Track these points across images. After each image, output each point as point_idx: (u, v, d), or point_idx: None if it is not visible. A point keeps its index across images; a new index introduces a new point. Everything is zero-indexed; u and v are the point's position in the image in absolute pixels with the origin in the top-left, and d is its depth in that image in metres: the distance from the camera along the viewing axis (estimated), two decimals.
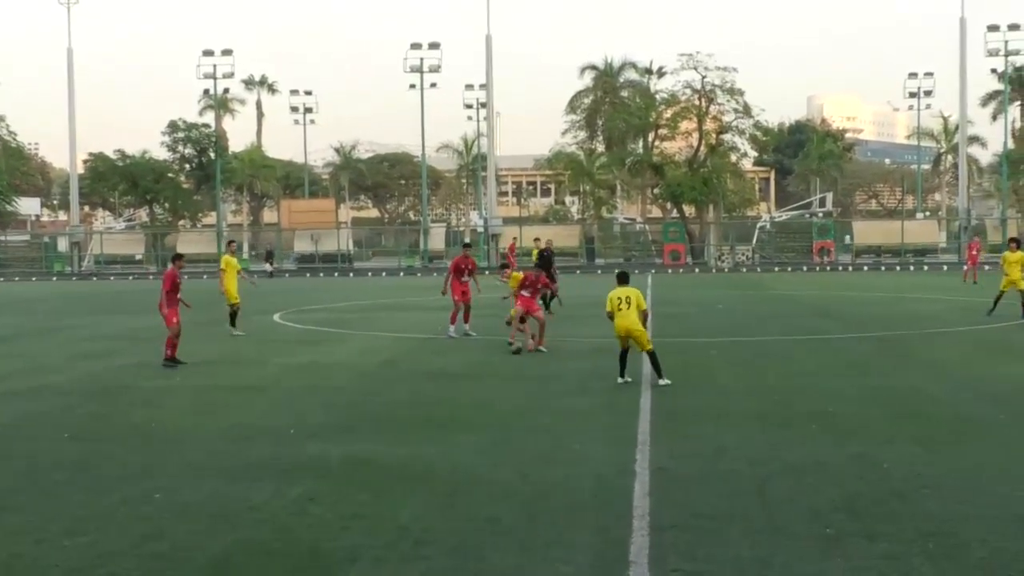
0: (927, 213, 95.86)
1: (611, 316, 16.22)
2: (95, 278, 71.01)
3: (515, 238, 65.11)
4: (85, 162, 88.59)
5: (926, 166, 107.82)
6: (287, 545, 8.28)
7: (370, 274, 69.66)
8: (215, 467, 11.03)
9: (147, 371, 18.06)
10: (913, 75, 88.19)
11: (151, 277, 68.28)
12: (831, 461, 10.86)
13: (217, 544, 8.32)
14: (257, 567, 7.76)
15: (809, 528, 8.50)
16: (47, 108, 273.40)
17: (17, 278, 68.14)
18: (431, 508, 9.31)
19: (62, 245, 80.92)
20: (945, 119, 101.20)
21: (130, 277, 70.37)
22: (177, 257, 21.44)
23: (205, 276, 67.40)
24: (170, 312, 19.66)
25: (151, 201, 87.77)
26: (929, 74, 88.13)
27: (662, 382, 15.74)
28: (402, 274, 68.92)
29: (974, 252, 48.22)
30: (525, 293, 21.19)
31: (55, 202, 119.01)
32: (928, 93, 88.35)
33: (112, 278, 70.67)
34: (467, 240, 32.27)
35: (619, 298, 16.10)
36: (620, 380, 16.13)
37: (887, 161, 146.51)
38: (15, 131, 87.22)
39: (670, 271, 65.44)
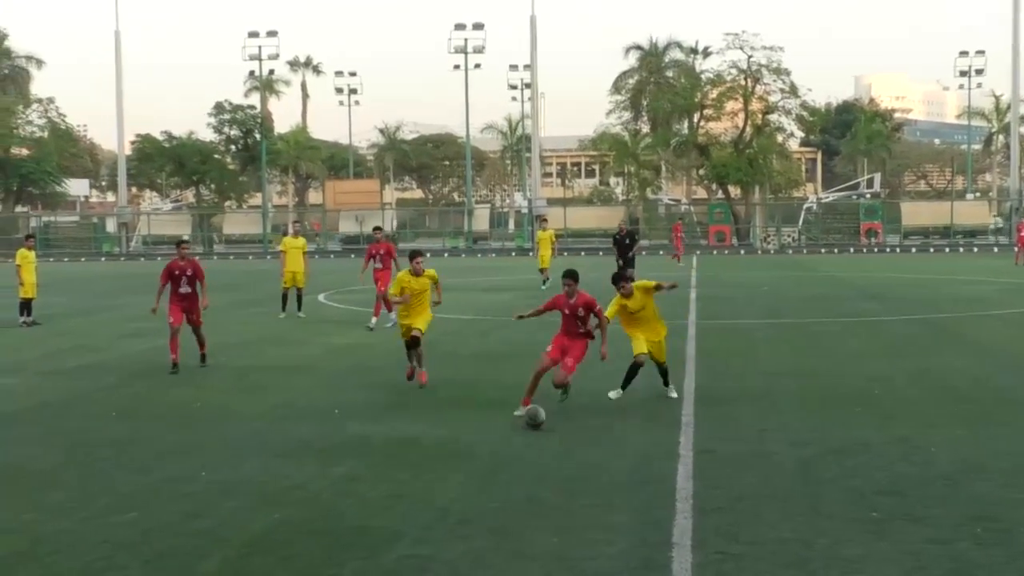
0: (978, 194, 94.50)
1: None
2: (143, 259, 71.71)
3: (681, 218, 64.95)
4: (133, 143, 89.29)
5: (977, 146, 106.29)
6: (330, 523, 8.33)
7: None
8: (258, 446, 11.12)
9: (192, 351, 18.19)
10: (964, 53, 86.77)
11: (197, 257, 68.82)
12: (876, 443, 10.76)
13: (260, 522, 8.38)
14: (300, 545, 7.81)
15: (854, 511, 8.42)
16: (95, 90, 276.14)
17: (67, 259, 69.01)
18: (472, 488, 9.32)
19: (110, 226, 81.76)
20: (997, 98, 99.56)
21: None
22: (179, 243, 17.91)
23: (251, 257, 68.00)
24: (172, 308, 16.83)
25: (197, 182, 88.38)
26: (980, 52, 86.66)
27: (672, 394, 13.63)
28: (446, 255, 69.00)
29: (1023, 234, 47.48)
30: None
31: (103, 183, 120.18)
32: (979, 71, 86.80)
33: (159, 258, 71.17)
34: (378, 224, 30.67)
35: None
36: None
37: (936, 141, 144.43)
38: (64, 113, 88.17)
39: (715, 252, 65.02)
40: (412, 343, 14.53)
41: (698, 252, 58.53)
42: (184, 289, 16.86)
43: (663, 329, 13.52)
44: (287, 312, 24.44)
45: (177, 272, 16.85)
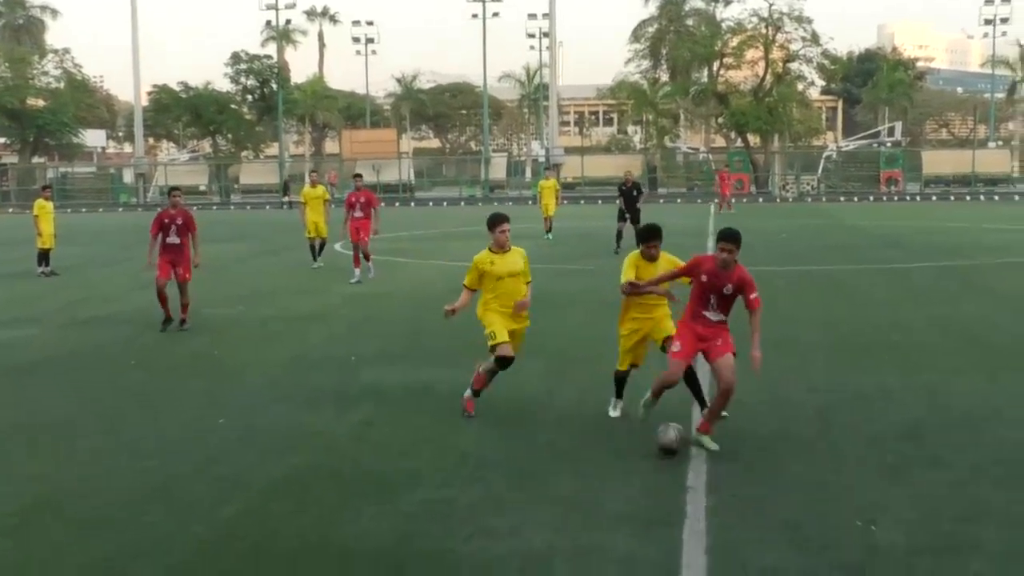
0: (1000, 143, 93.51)
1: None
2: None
3: (728, 166, 65.74)
4: (149, 94, 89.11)
5: (1000, 95, 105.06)
6: (348, 469, 8.37)
7: (431, 204, 69.74)
8: (277, 394, 11.15)
9: (208, 301, 18.23)
10: (989, 1, 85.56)
11: (214, 208, 68.90)
12: (896, 389, 10.73)
13: (280, 468, 8.42)
14: (319, 490, 7.85)
15: (871, 455, 8.41)
16: (111, 41, 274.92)
17: (84, 209, 69.08)
18: (490, 434, 9.34)
19: (127, 177, 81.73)
20: (1022, 46, 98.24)
21: (194, 208, 70.95)
22: (171, 191, 17.10)
23: (268, 207, 67.97)
24: (158, 260, 15.86)
25: (214, 132, 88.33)
26: (1006, 0, 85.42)
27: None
28: (463, 204, 68.89)
29: None
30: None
31: (120, 134, 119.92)
32: (1005, 20, 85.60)
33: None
34: (357, 171, 29.80)
35: None
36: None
37: (959, 90, 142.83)
38: (80, 64, 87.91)
39: (734, 200, 64.67)
40: (506, 362, 9.81)
41: (715, 200, 58.19)
42: (172, 239, 15.80)
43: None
44: (319, 262, 24.45)
45: (167, 221, 15.86)
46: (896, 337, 13.89)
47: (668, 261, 9.47)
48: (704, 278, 8.74)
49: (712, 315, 8.81)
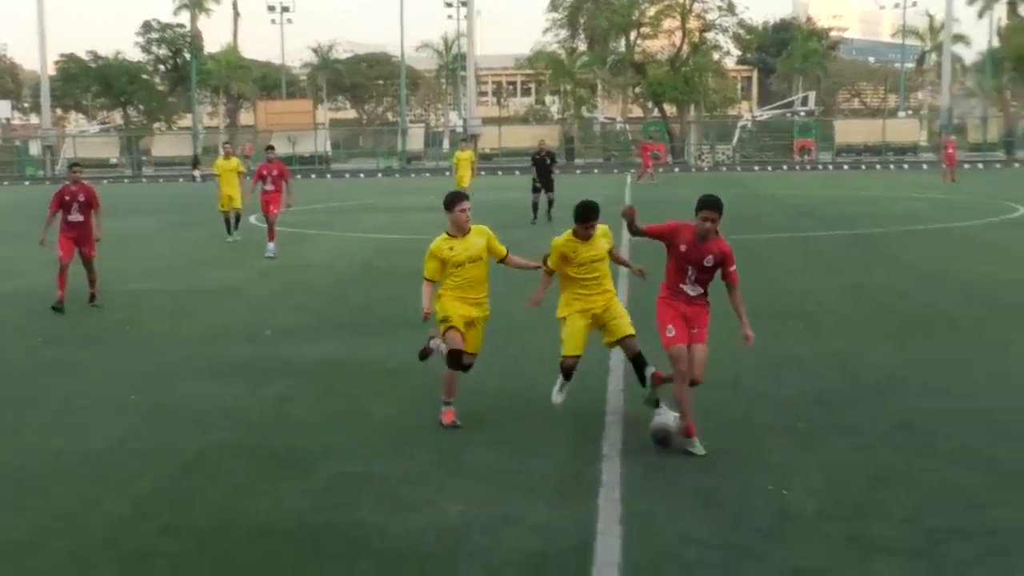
0: (909, 112, 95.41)
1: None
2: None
3: (651, 137, 64.93)
4: (56, 64, 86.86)
5: (910, 65, 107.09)
6: (263, 443, 8.30)
7: (348, 175, 69.17)
8: (190, 369, 11.00)
9: (120, 275, 17.91)
10: None
11: (126, 181, 67.58)
12: (806, 358, 10.92)
13: (193, 443, 8.32)
14: (232, 465, 7.77)
15: (782, 422, 8.56)
16: (15, 7, 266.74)
17: None
18: (407, 406, 9.32)
19: (34, 149, 79.64)
20: (931, 17, 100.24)
21: (104, 181, 69.47)
22: (71, 166, 16.68)
23: (181, 180, 66.81)
24: (60, 239, 15.28)
25: (125, 103, 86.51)
26: None
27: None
28: (380, 175, 68.45)
29: (950, 151, 47.97)
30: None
31: (26, 105, 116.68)
32: None
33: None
34: (271, 143, 29.45)
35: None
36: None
37: (871, 60, 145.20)
38: None
39: (649, 170, 65.11)
40: (463, 359, 8.82)
41: (632, 170, 58.56)
42: (74, 217, 15.16)
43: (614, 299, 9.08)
44: (233, 236, 24.10)
45: (68, 198, 15.19)
46: (809, 306, 14.13)
47: (603, 234, 8.83)
48: (683, 248, 8.08)
49: (690, 289, 8.26)
